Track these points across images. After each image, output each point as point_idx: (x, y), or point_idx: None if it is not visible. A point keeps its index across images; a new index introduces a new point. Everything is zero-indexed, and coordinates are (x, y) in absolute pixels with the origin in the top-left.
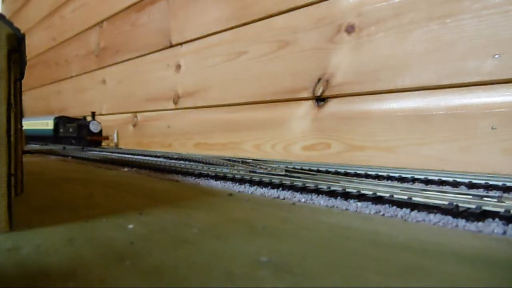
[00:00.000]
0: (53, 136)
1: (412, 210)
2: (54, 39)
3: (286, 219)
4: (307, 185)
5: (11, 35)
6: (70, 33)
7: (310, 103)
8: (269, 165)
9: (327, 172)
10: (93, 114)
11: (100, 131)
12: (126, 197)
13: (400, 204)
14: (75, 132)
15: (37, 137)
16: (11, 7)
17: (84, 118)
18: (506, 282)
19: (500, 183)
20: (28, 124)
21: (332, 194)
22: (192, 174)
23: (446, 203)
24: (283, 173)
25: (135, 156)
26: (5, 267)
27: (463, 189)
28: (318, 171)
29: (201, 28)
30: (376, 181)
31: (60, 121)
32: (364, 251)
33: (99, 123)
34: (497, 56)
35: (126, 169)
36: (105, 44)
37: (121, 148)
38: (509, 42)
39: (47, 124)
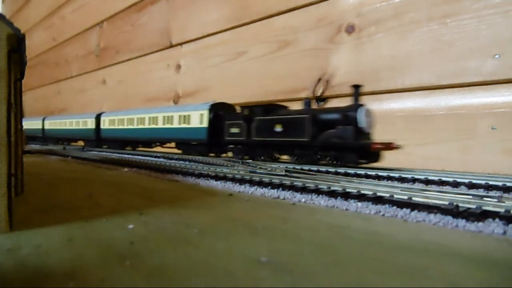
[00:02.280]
0: (207, 142)
1: (412, 210)
2: (54, 39)
3: (286, 219)
4: (307, 185)
5: (11, 35)
6: (70, 33)
7: None
8: (269, 165)
9: (327, 172)
10: (358, 90)
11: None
12: (126, 197)
13: (400, 204)
14: (306, 133)
15: (162, 139)
16: (11, 7)
17: (322, 99)
18: (506, 282)
19: (500, 183)
20: (135, 119)
21: (332, 194)
22: (192, 174)
23: (446, 203)
24: (283, 173)
25: (135, 156)
26: (5, 267)
27: (463, 189)
28: (318, 171)
29: (201, 28)
30: (376, 181)
31: (224, 112)
32: (364, 251)
33: (371, 111)
34: (497, 56)
35: (126, 169)
36: (105, 44)
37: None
38: (509, 42)
39: (189, 118)
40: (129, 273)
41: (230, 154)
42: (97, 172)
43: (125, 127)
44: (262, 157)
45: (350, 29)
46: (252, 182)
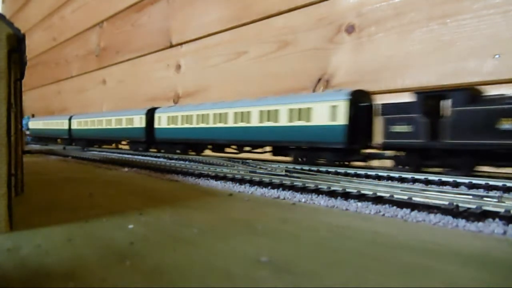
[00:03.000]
0: (346, 146)
1: (412, 210)
2: (54, 39)
3: (286, 219)
4: (307, 185)
5: (11, 35)
6: (70, 33)
7: None
8: (269, 165)
9: (327, 172)
10: None
11: None
12: (126, 197)
13: (400, 204)
14: None
15: (256, 142)
16: (11, 7)
17: None
18: (506, 282)
19: (500, 183)
20: (210, 115)
21: (332, 194)
22: (192, 174)
23: (446, 203)
24: (283, 173)
25: (135, 156)
26: (5, 267)
27: (463, 189)
28: (318, 171)
29: (201, 28)
30: (376, 181)
31: (370, 103)
32: (364, 251)
33: None
34: (497, 56)
35: (126, 169)
36: (105, 44)
37: None
38: (509, 42)
39: (309, 112)
40: (129, 273)
41: (376, 162)
42: (97, 172)
43: (194, 125)
44: (460, 171)
45: (350, 29)
46: (252, 182)
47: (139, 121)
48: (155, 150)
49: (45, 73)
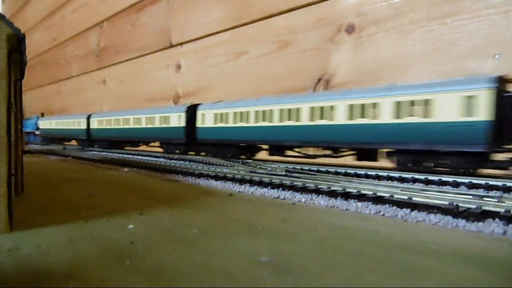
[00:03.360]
0: (488, 151)
1: (412, 210)
2: (54, 39)
3: (286, 219)
4: (307, 185)
5: (11, 35)
6: (70, 33)
7: None
8: (269, 165)
9: (327, 172)
10: None
11: None
12: (126, 197)
13: (400, 204)
14: None
15: (340, 143)
16: (11, 7)
17: None
18: (506, 282)
19: (500, 183)
20: (275, 112)
21: (332, 194)
22: (192, 174)
23: (446, 203)
24: (283, 173)
25: (135, 156)
26: (5, 267)
27: (463, 189)
28: (318, 171)
29: (201, 28)
30: (376, 181)
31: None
32: (364, 251)
33: None
34: (497, 56)
35: (126, 169)
36: (105, 44)
37: None
38: (509, 42)
39: (429, 106)
40: (129, 273)
41: None
42: (97, 172)
43: (252, 124)
44: None
45: (350, 29)
46: (252, 182)
47: (177, 120)
48: (193, 153)
49: (45, 73)
